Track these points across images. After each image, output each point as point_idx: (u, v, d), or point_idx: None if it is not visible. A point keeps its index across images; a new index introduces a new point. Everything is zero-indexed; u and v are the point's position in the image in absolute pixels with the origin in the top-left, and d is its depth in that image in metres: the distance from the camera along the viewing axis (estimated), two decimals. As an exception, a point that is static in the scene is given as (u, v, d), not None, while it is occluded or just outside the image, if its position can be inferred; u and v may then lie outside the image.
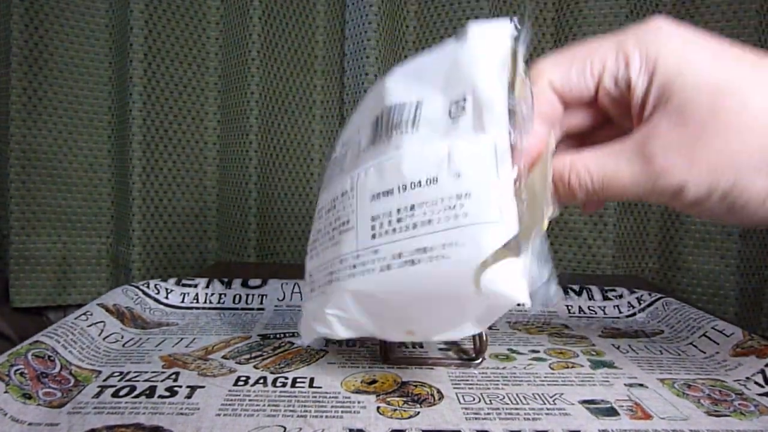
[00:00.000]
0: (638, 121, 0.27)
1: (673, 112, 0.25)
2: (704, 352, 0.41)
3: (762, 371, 0.36)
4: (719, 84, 0.25)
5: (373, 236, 0.29)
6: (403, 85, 0.31)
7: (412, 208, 0.27)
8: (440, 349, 0.40)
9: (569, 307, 0.52)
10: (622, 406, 0.32)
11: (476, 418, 0.30)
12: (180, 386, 0.33)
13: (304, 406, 0.31)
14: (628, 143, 0.27)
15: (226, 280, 0.53)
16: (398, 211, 0.28)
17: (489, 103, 0.28)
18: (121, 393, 0.32)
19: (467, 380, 0.35)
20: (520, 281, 0.26)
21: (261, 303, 0.51)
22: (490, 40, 0.30)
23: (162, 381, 0.33)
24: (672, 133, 0.25)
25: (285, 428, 0.28)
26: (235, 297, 0.51)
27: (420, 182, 0.28)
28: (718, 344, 0.41)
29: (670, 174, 0.25)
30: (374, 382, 0.34)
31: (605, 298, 0.54)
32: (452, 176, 0.27)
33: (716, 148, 0.25)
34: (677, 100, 0.25)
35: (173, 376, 0.34)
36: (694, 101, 0.25)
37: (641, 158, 0.26)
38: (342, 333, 0.32)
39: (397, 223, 0.28)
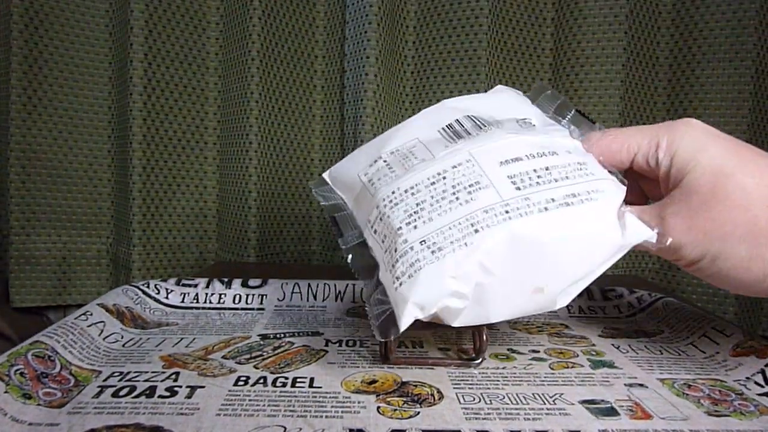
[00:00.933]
0: (665, 191, 0.34)
1: (684, 187, 0.32)
2: (704, 352, 0.41)
3: (762, 371, 0.36)
4: (723, 169, 0.31)
5: (518, 188, 0.33)
6: (465, 104, 0.41)
7: (547, 168, 0.34)
8: (440, 349, 0.40)
9: (569, 307, 0.52)
10: (622, 406, 0.32)
11: (476, 418, 0.30)
12: (180, 386, 0.33)
13: (304, 406, 0.31)
14: (655, 206, 0.34)
15: (226, 280, 0.53)
16: (534, 171, 0.34)
17: (548, 124, 0.39)
18: (121, 393, 0.32)
19: (467, 380, 0.35)
20: (641, 223, 0.34)
21: (261, 303, 0.51)
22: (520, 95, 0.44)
23: (162, 381, 0.33)
24: (681, 203, 0.32)
25: (285, 428, 0.28)
26: (235, 297, 0.51)
27: (545, 153, 0.35)
28: (718, 344, 0.41)
29: (673, 234, 0.32)
30: (374, 382, 0.34)
31: (605, 298, 0.54)
32: (566, 152, 0.35)
33: (710, 218, 0.31)
34: (688, 179, 0.32)
35: (173, 376, 0.34)
36: (700, 180, 0.32)
37: (658, 219, 0.33)
38: (464, 289, 0.32)
39: (538, 179, 0.34)
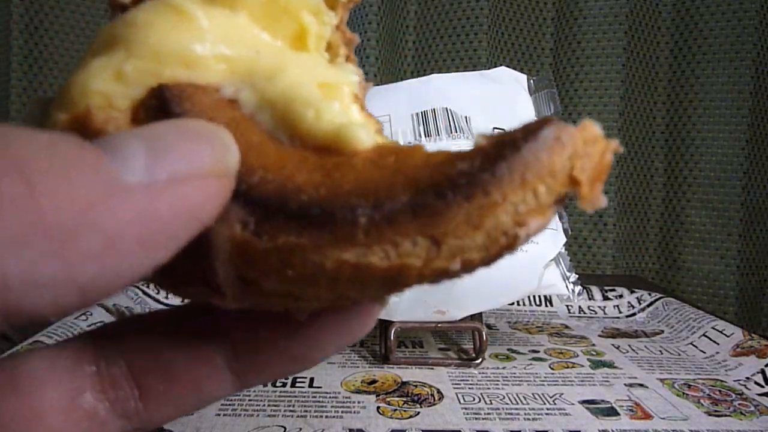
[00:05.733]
0: None
1: None
2: (704, 352, 0.41)
3: (762, 371, 0.36)
4: None
5: None
6: (451, 91, 0.39)
7: None
8: (440, 349, 0.40)
9: (569, 307, 0.52)
10: (622, 406, 0.32)
11: (476, 418, 0.30)
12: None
13: (304, 406, 0.31)
14: None
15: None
16: None
17: None
18: (121, 393, 0.32)
19: (467, 380, 0.35)
20: (560, 280, 0.35)
21: (261, 303, 0.51)
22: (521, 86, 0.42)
23: (162, 381, 0.33)
24: None
25: (285, 428, 0.28)
26: (235, 297, 0.51)
27: None
28: (718, 344, 0.41)
29: None
30: (374, 382, 0.34)
31: (605, 298, 0.54)
32: None
33: None
34: None
35: (173, 376, 0.34)
36: None
37: None
38: None
39: None
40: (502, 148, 0.12)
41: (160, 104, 0.14)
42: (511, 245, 0.13)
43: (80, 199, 0.10)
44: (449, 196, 0.12)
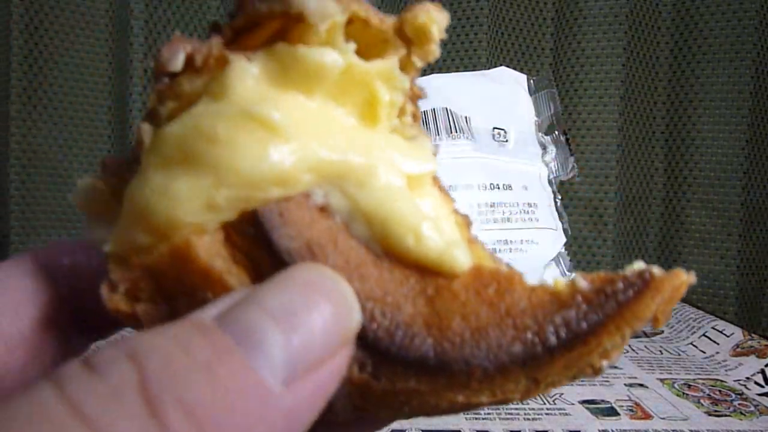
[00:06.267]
0: None
1: None
2: (704, 352, 0.41)
3: (762, 371, 0.36)
4: None
5: None
6: (451, 91, 0.39)
7: (492, 205, 0.33)
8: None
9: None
10: (622, 406, 0.32)
11: (476, 418, 0.30)
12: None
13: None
14: None
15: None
16: (478, 205, 0.33)
17: (527, 140, 0.38)
18: (121, 393, 0.32)
19: (467, 380, 0.35)
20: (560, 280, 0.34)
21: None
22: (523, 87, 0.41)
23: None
24: None
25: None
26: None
27: (498, 186, 0.33)
28: (718, 344, 0.41)
29: None
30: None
31: (605, 298, 0.54)
32: (522, 187, 0.35)
33: None
34: None
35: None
36: None
37: None
38: None
39: (478, 216, 0.33)
40: (604, 301, 0.14)
41: (258, 232, 0.14)
42: (594, 374, 0.14)
43: (240, 424, 0.11)
44: (555, 351, 0.13)
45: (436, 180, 0.17)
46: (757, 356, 0.37)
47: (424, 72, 0.92)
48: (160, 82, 0.15)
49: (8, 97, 0.84)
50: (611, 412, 0.31)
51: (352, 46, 0.15)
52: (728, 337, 0.41)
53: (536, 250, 0.33)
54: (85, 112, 0.89)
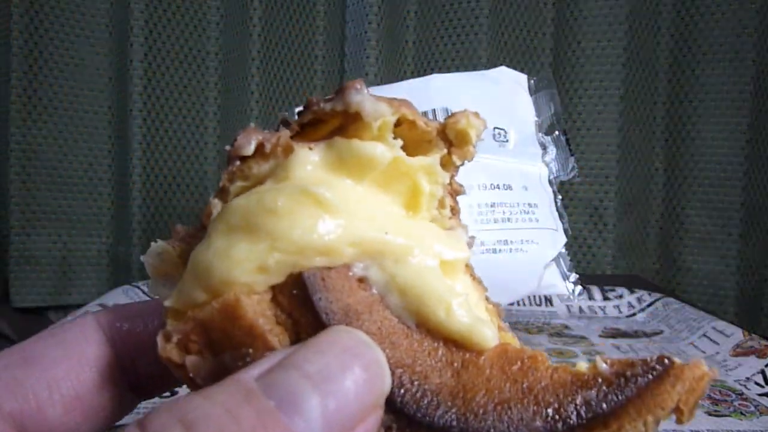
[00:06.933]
0: None
1: None
2: (704, 352, 0.41)
3: (762, 371, 0.36)
4: None
5: None
6: (451, 91, 0.39)
7: (493, 205, 0.33)
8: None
9: (569, 307, 0.52)
10: (622, 406, 0.32)
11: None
12: (180, 386, 0.33)
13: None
14: None
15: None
16: (478, 205, 0.33)
17: (527, 140, 0.37)
18: (121, 393, 0.32)
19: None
20: (559, 278, 0.35)
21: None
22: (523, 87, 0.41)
23: (162, 381, 0.33)
24: None
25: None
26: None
27: (498, 186, 0.34)
28: (718, 344, 0.41)
29: None
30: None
31: (605, 298, 0.54)
32: (522, 187, 0.35)
33: None
34: None
35: (173, 376, 0.34)
36: None
37: None
38: None
39: (478, 215, 0.33)
40: (623, 383, 0.14)
41: (301, 294, 0.15)
42: None
43: None
44: (575, 429, 0.14)
45: (469, 268, 0.18)
46: (757, 356, 0.37)
47: (425, 72, 0.92)
48: (232, 165, 0.17)
49: (8, 97, 0.84)
50: (611, 412, 0.31)
51: (399, 142, 0.17)
52: (728, 337, 0.41)
53: (536, 250, 0.33)
54: (85, 112, 0.89)
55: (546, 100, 0.41)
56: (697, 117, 0.80)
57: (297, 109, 0.18)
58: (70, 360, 0.17)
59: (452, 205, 0.19)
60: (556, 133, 0.40)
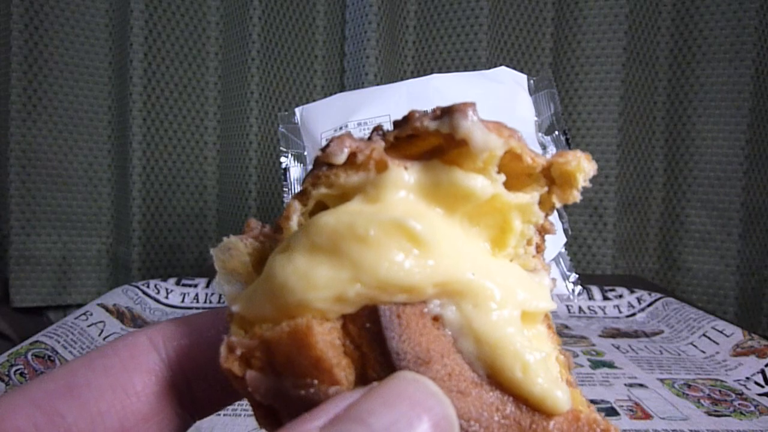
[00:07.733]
0: None
1: None
2: (704, 352, 0.41)
3: (762, 371, 0.36)
4: None
5: None
6: (451, 91, 0.38)
7: None
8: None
9: (569, 307, 0.52)
10: (622, 406, 0.31)
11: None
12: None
13: (304, 406, 0.31)
14: None
15: (226, 280, 0.53)
16: None
17: (527, 140, 0.37)
18: (121, 393, 0.32)
19: (467, 380, 0.35)
20: (562, 282, 0.34)
21: (261, 303, 0.51)
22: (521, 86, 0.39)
23: (162, 381, 0.33)
24: None
25: (285, 428, 0.28)
26: (235, 297, 0.51)
27: None
28: (718, 344, 0.41)
29: None
30: (374, 382, 0.34)
31: (605, 298, 0.54)
32: None
33: None
34: None
35: (173, 376, 0.34)
36: None
37: None
38: None
39: None
40: None
41: (374, 328, 0.15)
42: None
43: None
44: None
45: (547, 317, 0.18)
46: (757, 356, 0.37)
47: (425, 72, 0.91)
48: (319, 169, 0.16)
49: (8, 97, 0.84)
50: (611, 412, 0.31)
51: (502, 177, 0.16)
52: (728, 337, 0.41)
53: None
54: (85, 112, 0.89)
55: (546, 100, 0.41)
56: (697, 117, 0.80)
57: (394, 119, 0.17)
58: (116, 392, 0.17)
59: (538, 243, 0.18)
60: (556, 132, 0.41)
